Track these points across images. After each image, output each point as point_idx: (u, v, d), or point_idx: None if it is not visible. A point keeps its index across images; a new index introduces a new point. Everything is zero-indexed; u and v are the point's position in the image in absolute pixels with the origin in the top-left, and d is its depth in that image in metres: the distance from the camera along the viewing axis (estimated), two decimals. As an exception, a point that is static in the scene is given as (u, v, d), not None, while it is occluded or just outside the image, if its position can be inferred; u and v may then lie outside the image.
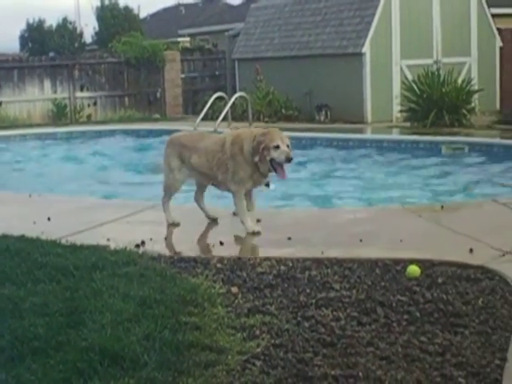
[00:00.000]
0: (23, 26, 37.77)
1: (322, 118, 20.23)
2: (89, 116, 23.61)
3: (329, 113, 20.28)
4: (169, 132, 19.05)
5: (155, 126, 20.59)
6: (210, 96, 19.72)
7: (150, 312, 4.97)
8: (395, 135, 17.36)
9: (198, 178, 8.06)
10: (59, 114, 22.94)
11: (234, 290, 5.62)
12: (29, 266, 6.05)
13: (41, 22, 37.03)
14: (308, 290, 5.60)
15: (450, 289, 5.56)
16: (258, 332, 4.79)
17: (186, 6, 48.09)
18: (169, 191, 8.12)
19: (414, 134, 16.45)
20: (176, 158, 7.95)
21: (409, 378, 4.12)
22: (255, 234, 7.39)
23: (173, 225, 7.96)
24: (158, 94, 24.63)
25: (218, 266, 6.27)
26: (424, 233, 7.56)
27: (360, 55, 19.67)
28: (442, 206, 8.49)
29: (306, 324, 4.93)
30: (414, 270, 5.90)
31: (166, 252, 6.63)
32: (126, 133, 19.77)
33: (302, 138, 16.31)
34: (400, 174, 12.96)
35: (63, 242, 6.97)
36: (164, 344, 4.45)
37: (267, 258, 6.40)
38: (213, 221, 8.11)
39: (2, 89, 22.99)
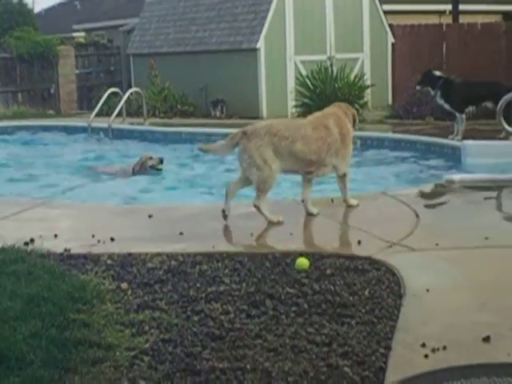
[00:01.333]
0: None
1: (218, 114, 20.25)
2: (-20, 112, 23.07)
3: (224, 108, 20.30)
4: (64, 128, 18.99)
5: (50, 122, 20.22)
6: (105, 92, 19.56)
7: (38, 310, 4.91)
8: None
9: (292, 167, 7.74)
10: (-51, 111, 22.35)
11: (124, 286, 5.61)
12: None
13: None
14: (198, 285, 5.63)
15: (337, 280, 5.67)
16: (146, 327, 4.80)
17: (82, 0, 47.44)
18: (265, 186, 7.52)
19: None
20: (268, 149, 7.48)
21: (296, 368, 4.20)
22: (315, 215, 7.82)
23: (278, 223, 7.48)
24: (52, 90, 24.21)
25: (108, 262, 6.23)
26: (314, 226, 7.69)
27: (254, 51, 19.75)
28: (332, 200, 8.61)
29: (196, 318, 4.96)
30: (303, 262, 5.99)
31: (56, 249, 6.54)
32: (20, 129, 19.35)
33: (197, 134, 16.28)
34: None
35: (-52, 241, 6.80)
36: (51, 342, 4.41)
37: (158, 254, 6.40)
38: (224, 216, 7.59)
39: None
